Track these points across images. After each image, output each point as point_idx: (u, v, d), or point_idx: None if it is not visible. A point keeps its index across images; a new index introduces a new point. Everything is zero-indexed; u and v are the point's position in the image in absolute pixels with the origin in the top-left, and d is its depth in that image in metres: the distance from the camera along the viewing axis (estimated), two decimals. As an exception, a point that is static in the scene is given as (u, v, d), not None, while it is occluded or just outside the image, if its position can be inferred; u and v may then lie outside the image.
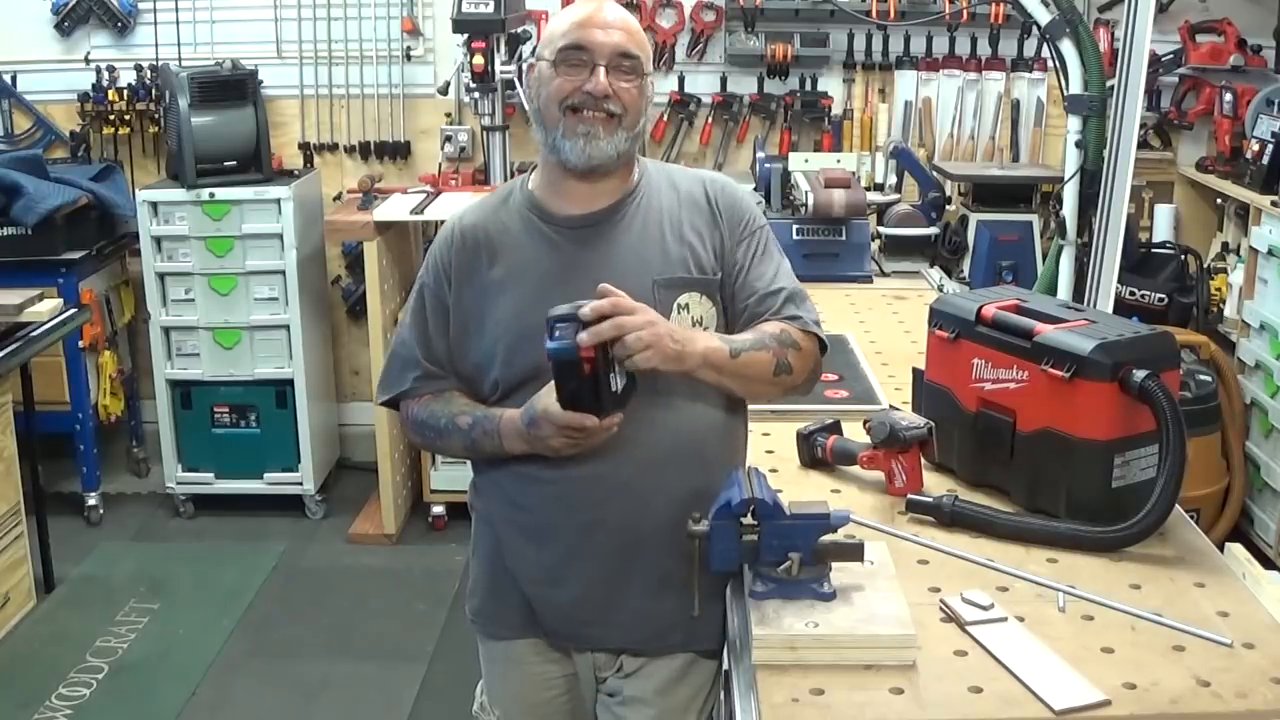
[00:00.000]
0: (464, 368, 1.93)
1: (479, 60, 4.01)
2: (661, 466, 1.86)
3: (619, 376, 1.70)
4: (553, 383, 1.70)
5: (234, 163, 4.26)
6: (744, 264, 1.93)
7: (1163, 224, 4.47)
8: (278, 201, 4.24)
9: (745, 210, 1.96)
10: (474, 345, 1.91)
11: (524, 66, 1.96)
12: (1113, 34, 4.27)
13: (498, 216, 1.93)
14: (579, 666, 2.05)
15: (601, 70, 1.82)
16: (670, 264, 1.88)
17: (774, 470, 2.08)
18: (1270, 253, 3.88)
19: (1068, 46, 3.06)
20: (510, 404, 1.85)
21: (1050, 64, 3.68)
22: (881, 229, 3.69)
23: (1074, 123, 3.08)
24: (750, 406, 2.12)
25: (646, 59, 1.88)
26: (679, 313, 1.86)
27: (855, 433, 2.08)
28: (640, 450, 1.84)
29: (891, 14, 4.29)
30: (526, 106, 1.96)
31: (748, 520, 1.59)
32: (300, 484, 4.45)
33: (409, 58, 4.61)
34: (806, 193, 3.46)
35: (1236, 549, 1.82)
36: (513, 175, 4.08)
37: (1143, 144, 4.28)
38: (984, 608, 1.59)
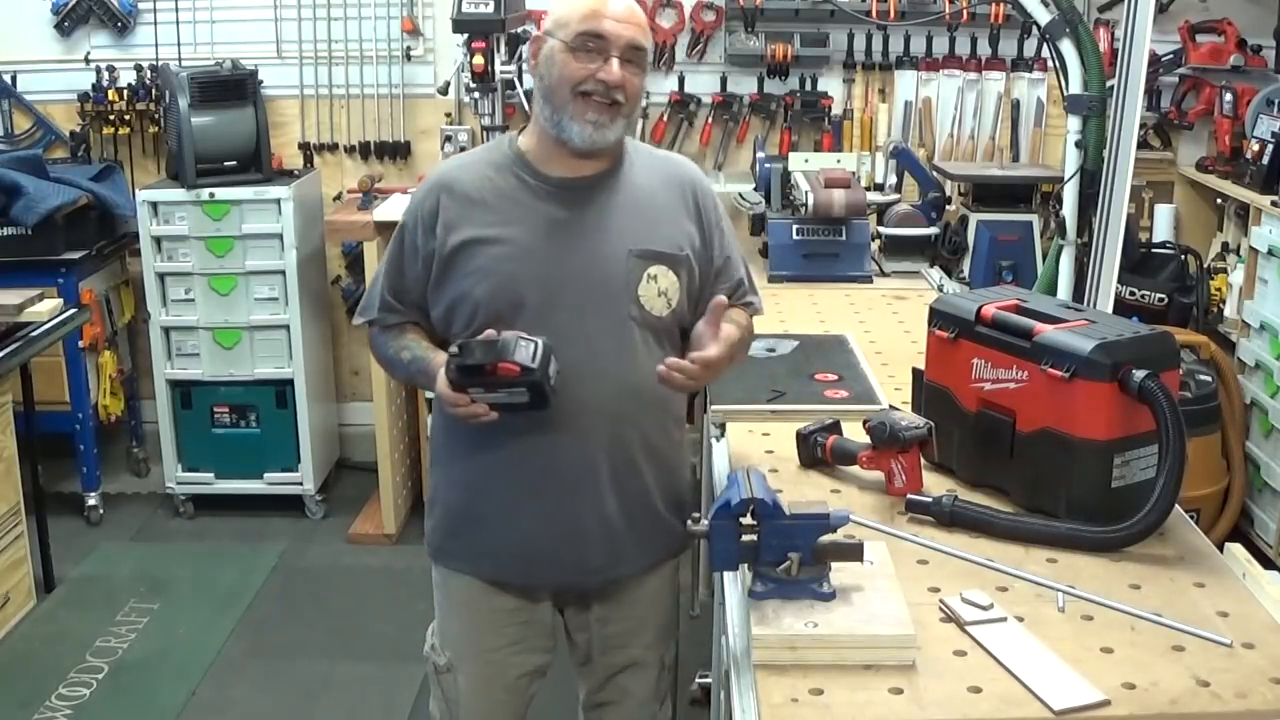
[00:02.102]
0: (438, 305, 2.05)
1: (479, 60, 4.01)
2: (610, 414, 2.03)
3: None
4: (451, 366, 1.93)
5: (234, 163, 4.26)
6: (719, 253, 2.14)
7: (1163, 224, 4.47)
8: (278, 201, 4.24)
9: (714, 201, 2.16)
10: (454, 286, 2.03)
11: (531, 37, 2.05)
12: (1113, 34, 4.27)
13: (484, 171, 2.06)
14: (538, 612, 2.17)
15: (615, 61, 1.94)
16: (646, 237, 2.03)
17: (774, 470, 2.08)
18: (1270, 253, 3.88)
19: (1068, 46, 3.06)
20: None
21: (1050, 64, 3.68)
22: (881, 229, 3.68)
23: (1074, 123, 3.08)
24: (751, 407, 2.36)
25: (649, 58, 2.01)
26: (648, 282, 2.02)
27: (855, 433, 2.08)
28: (596, 405, 2.01)
29: (891, 14, 4.29)
30: (530, 78, 2.08)
31: (747, 520, 1.60)
32: (300, 484, 4.45)
33: (409, 58, 4.61)
34: (806, 193, 3.46)
35: (1236, 549, 1.82)
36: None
37: (1143, 144, 4.28)
38: (983, 608, 1.59)
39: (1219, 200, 4.42)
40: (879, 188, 4.08)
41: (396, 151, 4.66)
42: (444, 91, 4.38)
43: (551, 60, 1.97)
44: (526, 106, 4.34)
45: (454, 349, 1.93)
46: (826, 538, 1.59)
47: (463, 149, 4.58)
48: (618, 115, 1.96)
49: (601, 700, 2.31)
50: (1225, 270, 4.25)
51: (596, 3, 1.95)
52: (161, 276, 4.30)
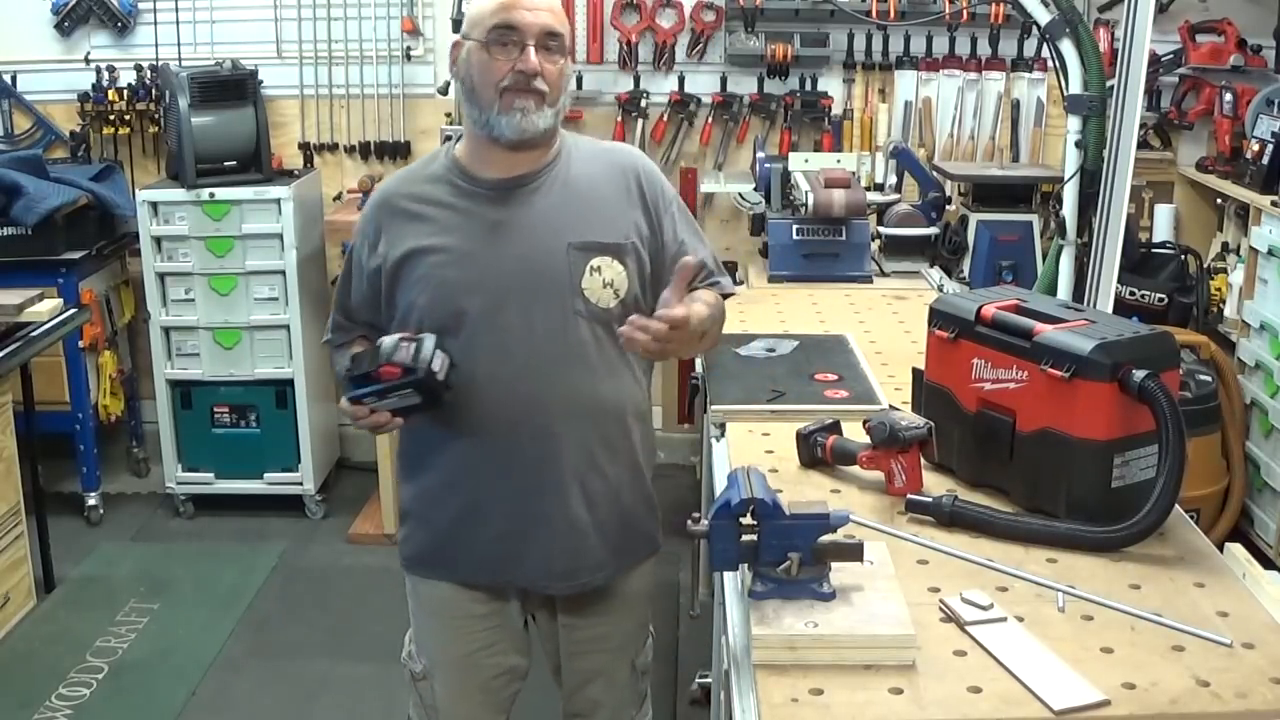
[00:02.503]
0: (392, 321, 2.07)
1: (479, 60, 4.01)
2: (565, 410, 2.02)
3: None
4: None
5: (234, 163, 4.26)
6: (672, 237, 2.11)
7: (1163, 224, 4.47)
8: (278, 201, 4.24)
9: (663, 185, 2.13)
10: (401, 300, 2.05)
11: (452, 44, 2.08)
12: (1113, 34, 4.27)
13: (421, 184, 2.07)
14: (507, 610, 2.17)
15: (531, 50, 1.93)
16: (585, 229, 2.02)
17: (774, 470, 2.08)
18: (1270, 253, 3.88)
19: (1068, 46, 3.06)
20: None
21: (1050, 64, 3.68)
22: (881, 229, 3.68)
23: (1074, 123, 3.08)
24: (751, 407, 2.35)
25: (568, 38, 2.00)
26: (591, 274, 2.01)
27: (855, 433, 2.08)
28: (549, 403, 2.01)
29: (891, 14, 4.29)
30: (454, 83, 2.07)
31: (747, 520, 1.59)
32: (300, 484, 4.45)
33: (409, 58, 4.61)
34: (806, 193, 3.46)
35: (1236, 549, 1.82)
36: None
37: (1143, 144, 4.28)
38: (983, 608, 1.59)
39: (1219, 200, 4.42)
40: (879, 188, 4.08)
41: (396, 151, 4.66)
42: (444, 91, 4.38)
43: (470, 62, 1.97)
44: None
45: (350, 360, 1.94)
46: (826, 538, 1.59)
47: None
48: (543, 103, 1.95)
49: (575, 711, 2.31)
50: (1225, 270, 4.25)
51: None
52: (161, 276, 4.30)
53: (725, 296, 2.19)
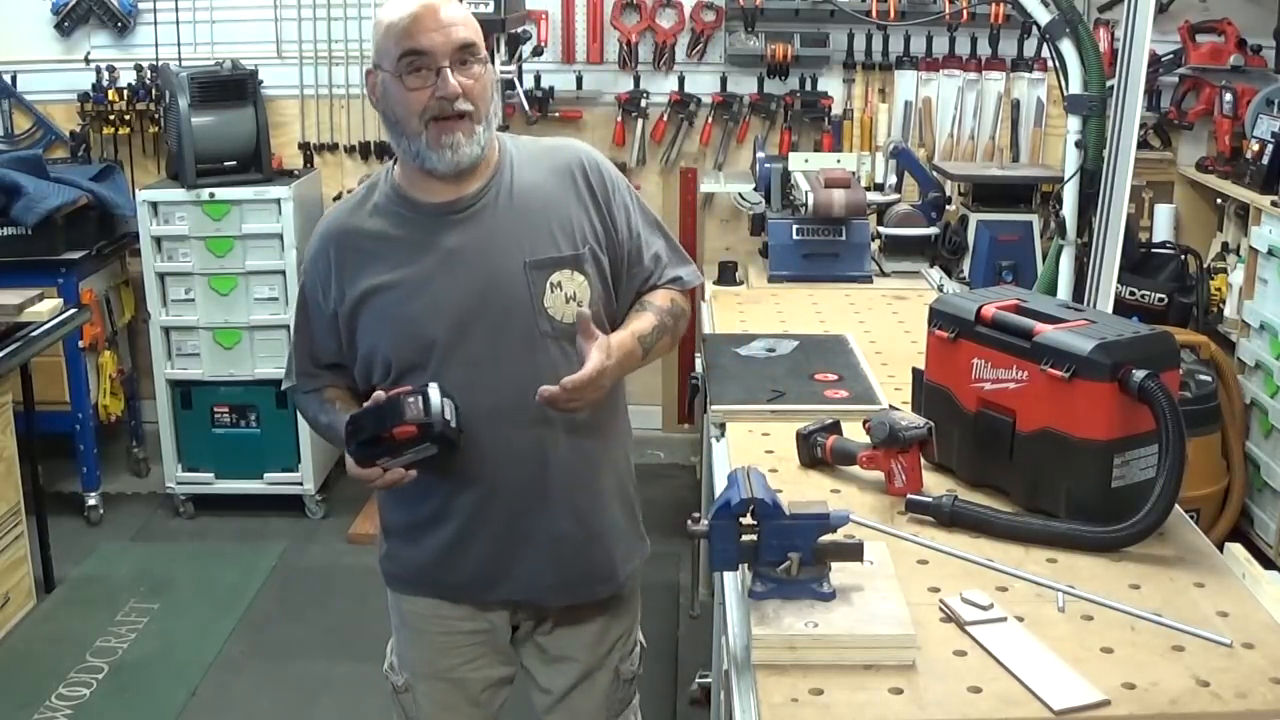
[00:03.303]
0: (354, 360, 2.02)
1: (479, 60, 4.01)
2: (541, 432, 1.97)
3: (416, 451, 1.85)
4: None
5: (234, 163, 4.26)
6: (627, 232, 2.03)
7: (1163, 224, 4.47)
8: (278, 201, 4.25)
9: (610, 177, 2.04)
10: (363, 340, 1.99)
11: (366, 73, 1.99)
12: (1113, 34, 4.27)
13: (366, 218, 1.99)
14: (494, 623, 2.13)
15: (448, 72, 1.84)
16: (539, 244, 1.95)
17: (774, 470, 2.08)
18: (1270, 253, 3.88)
19: (1068, 46, 3.06)
20: (404, 383, 1.91)
21: (1050, 64, 3.69)
22: (881, 229, 3.69)
23: (1074, 123, 3.08)
24: (751, 407, 2.34)
25: (482, 42, 1.90)
26: (552, 291, 1.94)
27: (855, 433, 2.08)
28: (528, 426, 1.96)
29: (891, 14, 4.29)
30: (378, 112, 1.97)
31: (747, 520, 1.59)
32: (300, 484, 4.45)
33: (409, 58, 4.61)
34: (806, 193, 3.46)
35: (1236, 549, 1.82)
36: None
37: (1143, 144, 4.28)
38: (983, 608, 1.59)
39: (1219, 200, 4.42)
40: (879, 188, 4.08)
41: (396, 151, 4.66)
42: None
43: (388, 95, 1.88)
44: (526, 107, 4.35)
45: (348, 426, 1.87)
46: (826, 538, 1.59)
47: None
48: (472, 127, 1.86)
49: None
50: (1225, 270, 4.25)
51: (405, 19, 1.83)
52: (161, 276, 4.30)
53: (687, 290, 2.11)
